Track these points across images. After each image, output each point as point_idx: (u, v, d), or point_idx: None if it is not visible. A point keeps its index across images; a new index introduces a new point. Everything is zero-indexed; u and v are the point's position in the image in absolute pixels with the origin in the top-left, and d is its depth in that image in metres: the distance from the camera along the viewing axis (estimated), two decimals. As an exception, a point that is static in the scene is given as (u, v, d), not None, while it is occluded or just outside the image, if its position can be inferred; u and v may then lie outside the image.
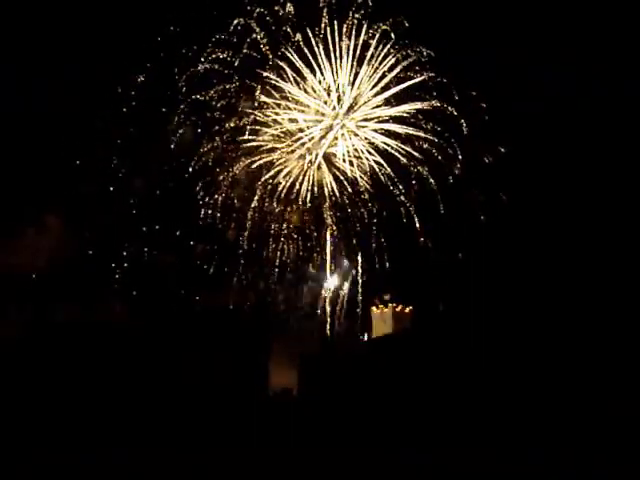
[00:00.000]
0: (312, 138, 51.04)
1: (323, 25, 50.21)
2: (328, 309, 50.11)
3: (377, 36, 50.33)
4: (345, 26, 50.36)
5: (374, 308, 52.90)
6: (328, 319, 49.71)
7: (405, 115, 50.93)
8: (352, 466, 32.63)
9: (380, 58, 50.51)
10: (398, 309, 52.43)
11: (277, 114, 50.81)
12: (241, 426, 39.49)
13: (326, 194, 51.29)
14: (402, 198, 50.76)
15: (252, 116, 50.54)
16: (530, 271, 47.60)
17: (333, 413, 42.01)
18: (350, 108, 51.24)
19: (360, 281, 49.84)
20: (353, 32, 50.42)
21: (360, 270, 49.69)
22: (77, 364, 43.75)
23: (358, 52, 50.57)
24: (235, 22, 49.72)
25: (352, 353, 48.06)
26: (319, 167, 51.41)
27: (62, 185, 51.39)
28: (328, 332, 49.50)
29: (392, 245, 50.08)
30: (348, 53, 50.37)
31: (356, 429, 40.09)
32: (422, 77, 50.06)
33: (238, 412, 40.82)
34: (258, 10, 50.03)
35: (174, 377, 43.07)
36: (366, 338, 52.13)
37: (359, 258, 50.56)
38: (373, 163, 51.07)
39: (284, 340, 46.89)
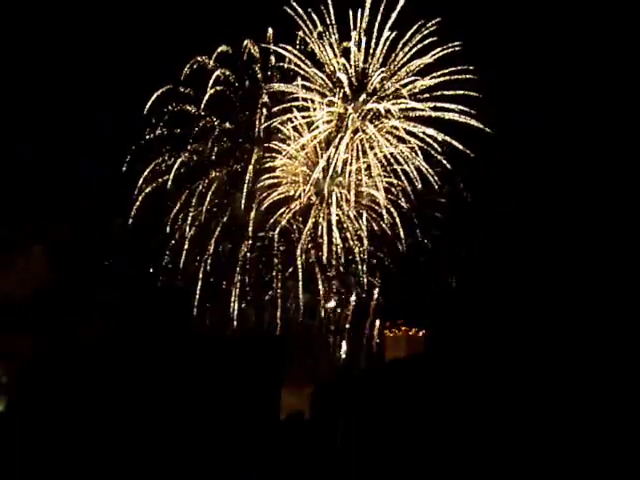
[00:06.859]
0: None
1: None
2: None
3: None
4: None
5: (387, 331, 50.49)
6: (339, 342, 47.53)
7: None
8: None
9: None
10: (411, 332, 50.22)
11: None
12: (252, 448, 36.02)
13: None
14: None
15: None
16: (551, 291, 45.86)
17: (347, 436, 39.00)
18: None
19: (372, 304, 47.95)
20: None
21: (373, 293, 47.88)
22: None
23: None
24: None
25: (365, 377, 45.45)
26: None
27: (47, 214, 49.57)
28: (340, 355, 47.34)
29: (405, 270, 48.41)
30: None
31: (372, 452, 36.89)
32: None
33: (248, 435, 37.56)
34: None
35: (179, 399, 40.00)
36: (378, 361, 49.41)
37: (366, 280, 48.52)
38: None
39: (294, 362, 44.23)
